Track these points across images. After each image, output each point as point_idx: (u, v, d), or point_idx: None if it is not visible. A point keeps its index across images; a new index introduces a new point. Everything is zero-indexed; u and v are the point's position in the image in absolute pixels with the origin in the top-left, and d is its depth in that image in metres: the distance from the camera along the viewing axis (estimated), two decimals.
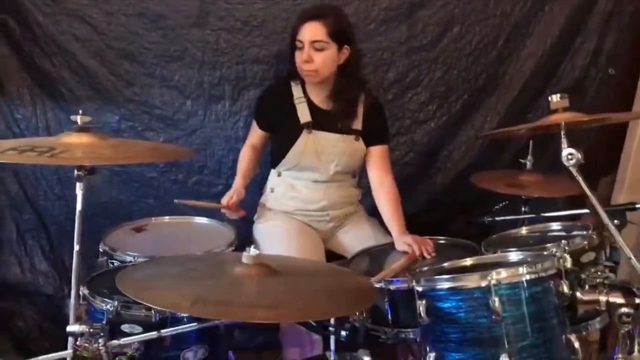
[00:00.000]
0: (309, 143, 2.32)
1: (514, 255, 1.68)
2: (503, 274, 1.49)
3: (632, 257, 1.48)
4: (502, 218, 2.09)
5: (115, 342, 1.55)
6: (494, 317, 1.44)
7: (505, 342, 1.47)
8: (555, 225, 1.98)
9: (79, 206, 1.69)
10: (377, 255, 2.23)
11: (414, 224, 2.39)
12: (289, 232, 2.34)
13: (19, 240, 2.79)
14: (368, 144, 2.41)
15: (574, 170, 1.55)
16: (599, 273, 1.61)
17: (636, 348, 1.54)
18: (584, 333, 1.74)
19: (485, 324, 1.49)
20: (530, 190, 2.31)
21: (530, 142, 2.54)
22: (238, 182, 2.40)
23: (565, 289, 1.50)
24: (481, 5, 2.86)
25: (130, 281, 1.44)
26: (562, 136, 1.55)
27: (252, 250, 1.41)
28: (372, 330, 1.83)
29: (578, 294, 1.55)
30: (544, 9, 2.90)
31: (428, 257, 2.11)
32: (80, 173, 1.67)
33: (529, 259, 1.64)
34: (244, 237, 2.43)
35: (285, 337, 2.28)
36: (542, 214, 2.11)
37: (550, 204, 2.38)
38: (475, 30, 2.88)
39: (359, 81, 2.44)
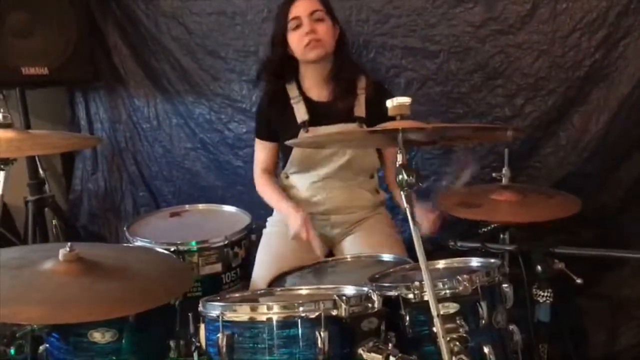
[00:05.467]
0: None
1: (349, 290, 1.35)
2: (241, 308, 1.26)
3: (436, 317, 1.07)
4: (462, 244, 1.65)
5: None
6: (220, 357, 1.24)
7: None
8: (474, 262, 1.49)
9: None
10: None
11: None
12: (281, 236, 2.23)
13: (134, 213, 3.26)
14: None
15: (402, 194, 1.18)
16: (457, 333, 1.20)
17: None
18: None
19: None
20: (493, 213, 1.76)
21: (506, 150, 1.95)
22: (291, 209, 2.14)
23: (319, 343, 1.16)
24: None
25: None
26: (398, 150, 1.19)
27: (67, 247, 1.45)
28: None
29: (359, 351, 1.18)
30: None
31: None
32: None
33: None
34: None
35: None
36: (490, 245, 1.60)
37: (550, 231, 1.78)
38: (575, 5, 2.30)
39: (354, 64, 2.26)
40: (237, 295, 1.52)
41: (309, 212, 2.22)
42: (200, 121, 3.04)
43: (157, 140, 3.16)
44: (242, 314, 1.25)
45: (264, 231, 2.38)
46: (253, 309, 1.24)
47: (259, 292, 1.55)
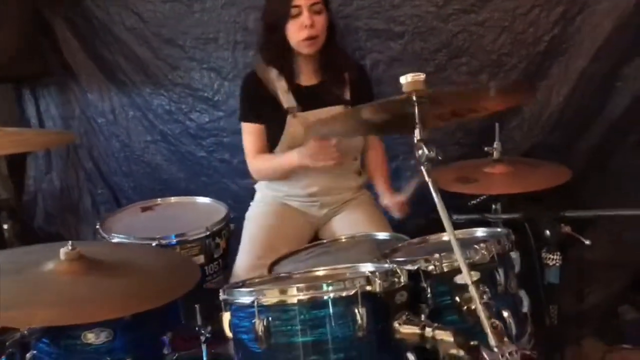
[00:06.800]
0: (296, 127, 2.19)
1: (367, 267, 1.37)
2: (272, 293, 1.25)
3: (470, 284, 1.12)
4: (457, 217, 1.71)
5: None
6: (258, 343, 1.23)
7: None
8: (480, 232, 1.56)
9: None
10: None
11: None
12: (267, 216, 2.26)
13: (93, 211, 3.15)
14: None
15: (423, 169, 1.22)
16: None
17: None
18: None
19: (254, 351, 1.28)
20: (488, 187, 1.85)
21: (497, 125, 2.05)
22: (293, 152, 2.15)
23: (358, 319, 1.18)
24: None
25: None
26: (416, 125, 1.22)
27: (69, 245, 1.41)
28: None
29: (395, 324, 1.22)
30: None
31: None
32: None
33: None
34: None
35: None
36: (497, 216, 1.68)
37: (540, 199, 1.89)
38: None
39: (342, 49, 2.28)
40: (257, 280, 1.52)
41: (296, 195, 2.28)
42: (159, 112, 2.96)
43: (114, 135, 3.05)
44: (275, 297, 1.24)
45: (247, 215, 2.36)
46: (284, 292, 1.23)
47: (278, 276, 1.53)
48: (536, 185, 1.81)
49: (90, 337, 1.67)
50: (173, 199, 2.55)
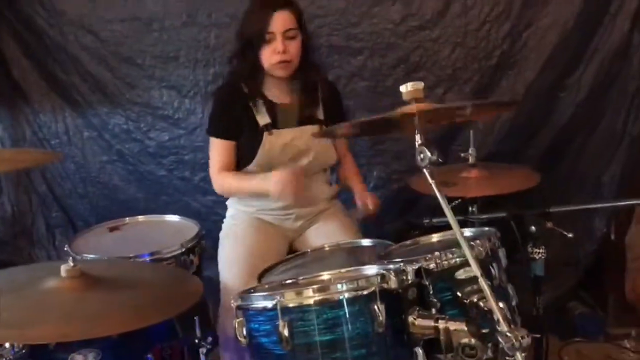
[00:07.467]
0: (273, 144, 2.23)
1: (372, 269, 1.43)
2: (290, 295, 1.30)
3: (480, 276, 1.21)
4: (439, 220, 1.82)
5: None
6: (282, 345, 1.27)
7: None
8: (467, 232, 1.67)
9: None
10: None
11: None
12: (245, 232, 2.25)
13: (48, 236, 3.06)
14: None
15: (426, 171, 1.31)
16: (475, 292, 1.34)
17: None
18: None
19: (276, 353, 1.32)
20: (466, 190, 1.99)
21: (471, 132, 2.21)
22: (265, 177, 2.13)
23: (379, 315, 1.24)
24: None
25: None
26: (417, 131, 1.31)
27: (70, 262, 1.40)
28: None
29: (410, 319, 1.31)
30: None
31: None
32: None
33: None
34: None
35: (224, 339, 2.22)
36: (480, 216, 1.81)
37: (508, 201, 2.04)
38: (483, 0, 2.56)
39: (316, 67, 2.31)
40: (266, 287, 1.54)
41: (269, 209, 2.29)
42: (116, 132, 2.92)
43: (69, 156, 2.97)
44: (292, 299, 1.27)
45: (222, 233, 2.36)
46: (304, 294, 1.27)
47: (285, 282, 1.56)
48: (510, 188, 1.94)
49: (78, 359, 1.65)
50: (141, 218, 2.51)
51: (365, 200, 2.25)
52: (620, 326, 2.66)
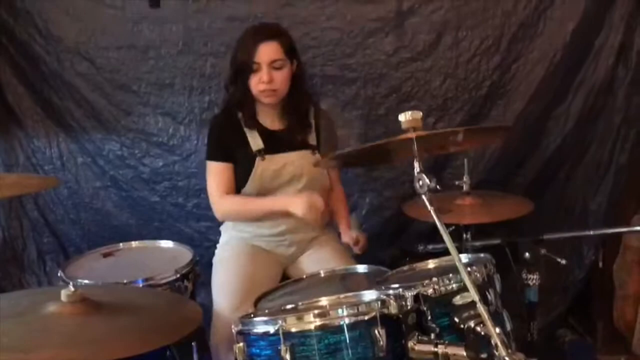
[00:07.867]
0: (265, 169, 2.26)
1: (371, 294, 1.46)
2: (292, 320, 1.32)
3: (478, 301, 1.24)
4: (434, 246, 1.86)
5: None
6: None
7: None
8: (464, 257, 1.70)
9: None
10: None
11: None
12: (238, 258, 2.28)
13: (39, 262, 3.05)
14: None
15: (425, 198, 1.35)
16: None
17: None
18: None
19: None
20: (460, 217, 2.03)
21: (465, 160, 2.26)
22: (285, 197, 2.22)
23: (380, 340, 1.27)
24: (478, 7, 2.62)
25: None
26: (415, 159, 1.35)
27: (70, 287, 1.40)
28: None
29: (410, 344, 1.33)
30: (553, 4, 2.58)
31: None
32: None
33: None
34: None
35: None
36: (474, 243, 1.85)
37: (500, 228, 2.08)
38: (474, 34, 2.65)
39: (308, 94, 2.37)
40: (267, 312, 1.55)
41: (263, 235, 2.32)
42: (110, 158, 2.93)
43: (62, 182, 2.98)
44: (294, 324, 1.29)
45: (216, 259, 2.37)
46: (301, 319, 1.29)
47: (286, 308, 1.57)
48: (504, 215, 1.99)
49: None
50: (134, 244, 2.51)
51: (350, 243, 2.27)
52: (609, 353, 2.69)
